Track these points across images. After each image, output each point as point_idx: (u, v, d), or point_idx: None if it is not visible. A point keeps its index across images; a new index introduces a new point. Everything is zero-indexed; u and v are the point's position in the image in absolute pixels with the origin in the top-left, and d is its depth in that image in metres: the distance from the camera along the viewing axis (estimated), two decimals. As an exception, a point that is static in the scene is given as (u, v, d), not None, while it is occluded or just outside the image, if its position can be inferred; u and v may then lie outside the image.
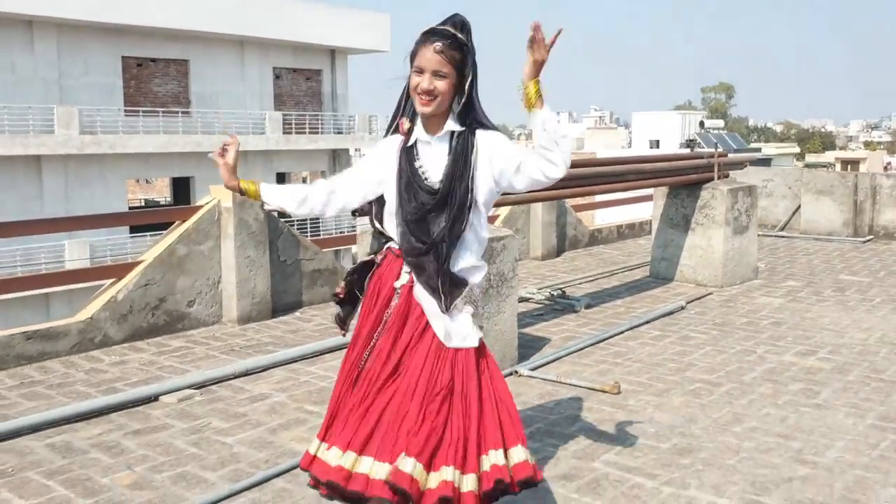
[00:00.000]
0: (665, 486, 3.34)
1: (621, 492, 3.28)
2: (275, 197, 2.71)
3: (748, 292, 7.19)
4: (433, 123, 2.56)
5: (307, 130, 29.24)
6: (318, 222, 26.97)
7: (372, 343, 2.65)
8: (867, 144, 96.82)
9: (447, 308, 2.51)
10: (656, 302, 6.75)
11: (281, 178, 28.94)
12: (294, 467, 3.42)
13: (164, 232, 6.01)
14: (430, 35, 2.50)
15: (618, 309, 6.54)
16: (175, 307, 5.79)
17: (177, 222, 6.00)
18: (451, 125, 2.55)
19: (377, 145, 2.71)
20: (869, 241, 10.23)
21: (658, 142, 55.88)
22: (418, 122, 2.57)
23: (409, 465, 2.39)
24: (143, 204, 38.05)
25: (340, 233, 24.50)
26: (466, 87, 2.52)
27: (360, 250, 4.95)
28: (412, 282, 2.60)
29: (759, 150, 58.83)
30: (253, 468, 3.53)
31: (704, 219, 7.29)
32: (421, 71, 2.49)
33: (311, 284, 6.67)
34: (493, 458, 2.49)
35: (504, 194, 3.14)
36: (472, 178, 2.53)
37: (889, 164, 65.44)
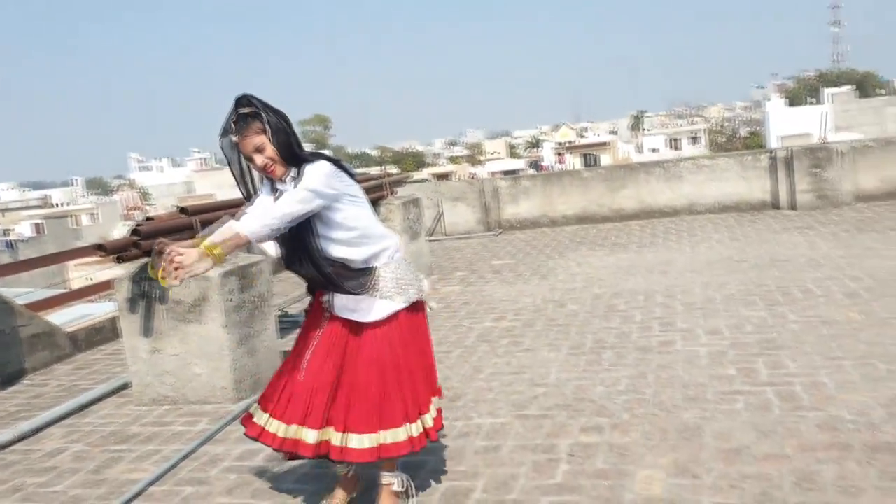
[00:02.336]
0: (455, 422, 4.30)
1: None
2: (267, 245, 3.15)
3: (431, 286, 8.49)
4: (281, 178, 3.11)
5: None
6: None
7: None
8: (451, 159, 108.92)
9: (339, 291, 3.19)
10: (363, 306, 7.73)
11: None
12: (151, 481, 3.78)
13: None
14: (224, 133, 3.03)
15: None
16: None
17: None
18: (292, 171, 3.09)
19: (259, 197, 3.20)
20: (500, 233, 12.35)
21: (273, 177, 57.13)
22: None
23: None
24: None
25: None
26: (272, 139, 3.00)
27: (119, 298, 5.20)
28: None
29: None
30: (103, 501, 3.77)
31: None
32: (249, 158, 3.02)
33: (31, 350, 6.51)
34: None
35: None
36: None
37: (473, 174, 74.45)
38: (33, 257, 6.86)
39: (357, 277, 3.19)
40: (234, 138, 2.99)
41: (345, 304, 3.22)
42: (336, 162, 3.18)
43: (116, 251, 4.78)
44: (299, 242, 3.14)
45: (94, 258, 5.90)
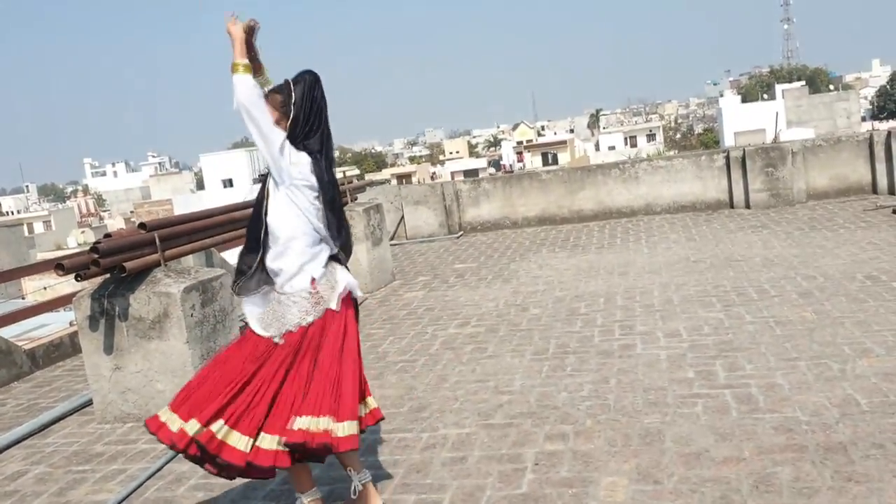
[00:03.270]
0: (421, 433, 4.34)
1: (393, 446, 4.21)
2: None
3: (394, 292, 8.54)
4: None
5: None
6: None
7: None
8: (412, 159, 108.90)
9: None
10: (327, 314, 7.72)
11: None
12: (118, 502, 3.76)
13: None
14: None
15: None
16: None
17: None
18: None
19: None
20: (461, 235, 12.41)
21: (231, 180, 56.79)
22: None
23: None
24: None
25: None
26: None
27: (79, 315, 5.14)
28: None
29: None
30: (68, 524, 3.75)
31: (347, 237, 8.47)
32: None
33: (-13, 369, 6.41)
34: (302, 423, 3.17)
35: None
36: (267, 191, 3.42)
37: (434, 173, 74.51)
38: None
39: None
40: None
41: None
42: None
43: (75, 269, 4.73)
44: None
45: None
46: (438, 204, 12.53)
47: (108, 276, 5.11)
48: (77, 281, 4.89)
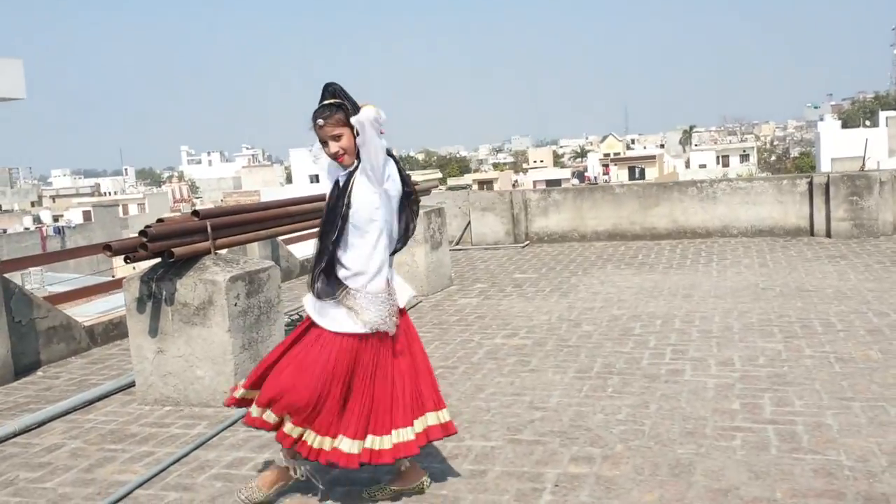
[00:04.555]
0: (446, 442, 4.24)
1: (426, 451, 4.13)
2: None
3: (449, 296, 8.48)
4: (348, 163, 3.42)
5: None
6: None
7: None
8: (496, 166, 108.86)
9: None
10: (379, 314, 7.72)
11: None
12: (139, 484, 3.81)
13: None
14: (314, 117, 3.34)
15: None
16: (-90, 383, 5.51)
17: None
18: (354, 163, 3.40)
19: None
20: (527, 245, 12.27)
21: (318, 176, 57.78)
22: None
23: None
24: None
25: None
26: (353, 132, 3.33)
27: (128, 297, 5.26)
28: None
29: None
30: (89, 501, 3.81)
31: (407, 239, 8.45)
32: (324, 143, 3.36)
33: (47, 342, 6.62)
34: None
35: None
36: (347, 200, 3.37)
37: (516, 181, 74.29)
38: (39, 254, 6.97)
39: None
40: (320, 122, 3.32)
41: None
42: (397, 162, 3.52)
43: (124, 251, 4.83)
44: (327, 231, 3.46)
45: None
46: (506, 212, 12.41)
47: (158, 260, 5.21)
48: (126, 263, 4.99)
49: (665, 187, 12.30)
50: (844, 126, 73.97)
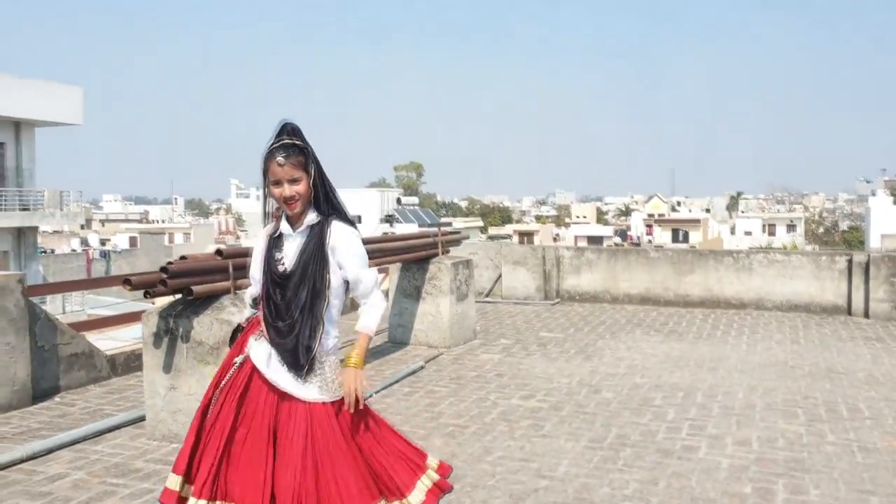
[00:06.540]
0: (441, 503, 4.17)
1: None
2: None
3: (471, 350, 8.41)
4: (295, 218, 3.10)
5: (-11, 207, 26.97)
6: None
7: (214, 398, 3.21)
8: (538, 218, 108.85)
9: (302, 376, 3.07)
10: (399, 363, 7.69)
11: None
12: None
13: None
14: (272, 152, 3.01)
15: (369, 371, 7.35)
16: (-71, 400, 5.59)
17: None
18: (311, 218, 3.08)
19: (259, 235, 3.24)
20: (557, 303, 12.16)
21: (360, 217, 58.46)
22: (283, 216, 3.13)
23: None
24: None
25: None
26: (315, 181, 3.04)
27: (146, 331, 5.30)
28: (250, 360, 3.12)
29: (450, 224, 63.79)
30: (81, 536, 3.79)
31: (433, 289, 8.44)
32: (278, 183, 3.00)
33: (68, 369, 6.69)
34: None
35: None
36: (327, 262, 3.06)
37: (558, 234, 74.17)
38: (66, 280, 7.09)
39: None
40: (281, 159, 2.98)
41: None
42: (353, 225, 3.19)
43: (144, 286, 4.89)
44: (315, 299, 3.08)
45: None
46: (538, 267, 12.34)
47: (178, 296, 5.26)
48: (145, 298, 5.04)
49: (700, 255, 12.14)
50: (896, 202, 72.63)
